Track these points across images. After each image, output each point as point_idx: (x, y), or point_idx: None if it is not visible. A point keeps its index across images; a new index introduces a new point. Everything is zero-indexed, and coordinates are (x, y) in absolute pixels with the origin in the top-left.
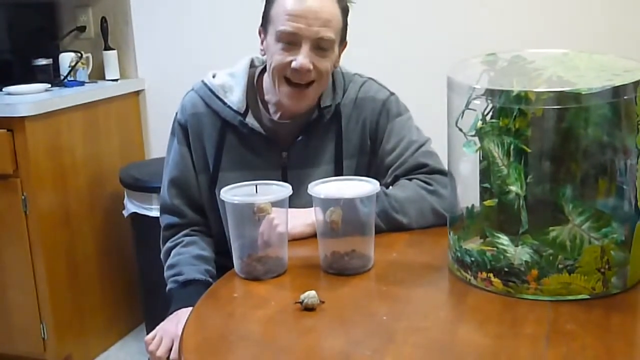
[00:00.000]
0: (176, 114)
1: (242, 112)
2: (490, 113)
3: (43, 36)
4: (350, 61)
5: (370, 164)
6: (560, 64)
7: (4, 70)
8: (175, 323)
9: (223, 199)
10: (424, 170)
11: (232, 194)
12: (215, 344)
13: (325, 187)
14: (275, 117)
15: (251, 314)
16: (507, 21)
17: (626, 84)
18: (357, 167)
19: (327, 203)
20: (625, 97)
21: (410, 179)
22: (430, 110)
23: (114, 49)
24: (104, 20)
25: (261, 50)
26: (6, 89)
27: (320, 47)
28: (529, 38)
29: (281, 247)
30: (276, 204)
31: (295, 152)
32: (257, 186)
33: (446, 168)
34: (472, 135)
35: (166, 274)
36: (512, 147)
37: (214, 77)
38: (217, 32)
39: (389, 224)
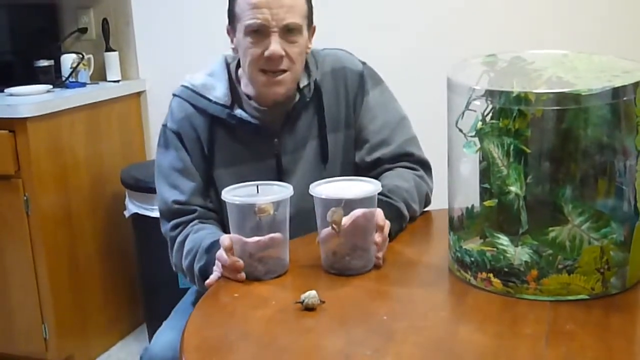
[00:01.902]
0: (164, 124)
1: (228, 104)
2: (490, 114)
3: (45, 37)
4: None
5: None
6: (560, 64)
7: (6, 71)
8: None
9: (224, 199)
10: (410, 159)
11: (234, 194)
12: (215, 344)
13: (326, 188)
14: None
15: (251, 314)
16: (507, 22)
17: (626, 85)
18: (346, 140)
19: (328, 203)
20: (624, 98)
21: (397, 167)
22: (430, 110)
23: (115, 50)
24: (105, 22)
25: (232, 49)
26: (8, 90)
27: (288, 33)
28: (529, 39)
29: (282, 248)
30: (277, 204)
31: (285, 136)
32: (259, 186)
33: (425, 156)
34: (472, 136)
35: (185, 263)
36: (511, 147)
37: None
38: (218, 34)
39: (411, 214)
